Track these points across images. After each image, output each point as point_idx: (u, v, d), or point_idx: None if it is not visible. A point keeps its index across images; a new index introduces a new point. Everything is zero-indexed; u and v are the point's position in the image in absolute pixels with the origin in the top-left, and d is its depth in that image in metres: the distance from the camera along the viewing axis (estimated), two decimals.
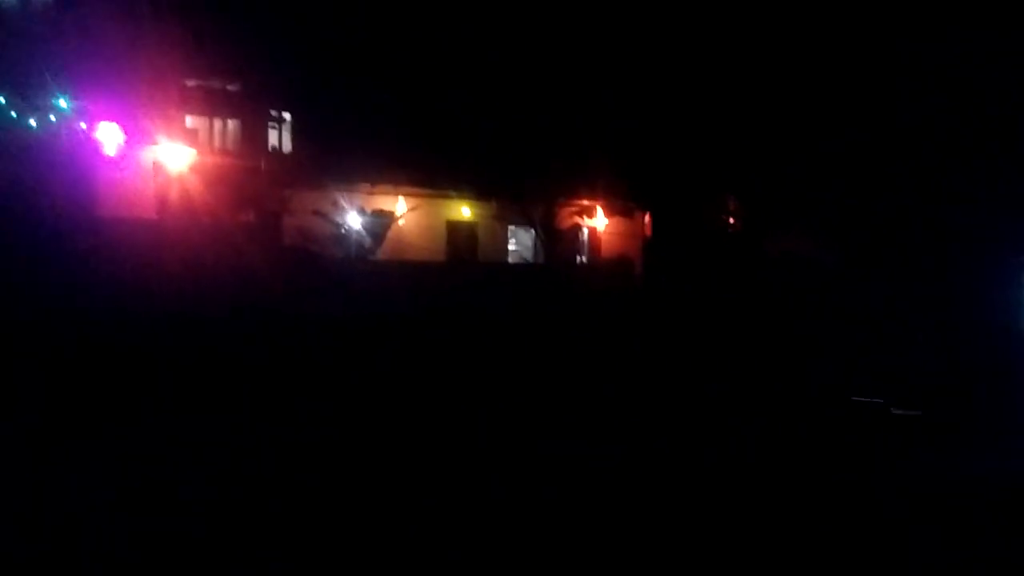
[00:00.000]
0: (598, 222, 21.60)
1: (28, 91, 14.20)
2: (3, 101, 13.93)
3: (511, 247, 21.76)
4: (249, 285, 14.10)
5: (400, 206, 19.42)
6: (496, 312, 14.84)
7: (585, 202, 20.98)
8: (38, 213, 13.96)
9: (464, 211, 20.48)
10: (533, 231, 20.98)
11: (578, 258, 22.01)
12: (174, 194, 15.76)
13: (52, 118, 14.51)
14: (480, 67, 18.24)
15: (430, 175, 18.73)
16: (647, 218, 21.54)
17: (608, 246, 21.47)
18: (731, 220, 21.04)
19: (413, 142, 17.77)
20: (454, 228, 20.59)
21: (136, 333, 11.49)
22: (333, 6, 17.06)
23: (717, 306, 15.82)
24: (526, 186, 19.11)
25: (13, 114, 14.20)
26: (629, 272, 20.19)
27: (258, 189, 16.60)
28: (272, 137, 18.15)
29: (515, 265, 21.34)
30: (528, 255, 21.68)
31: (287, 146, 18.25)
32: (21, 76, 14.11)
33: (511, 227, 21.34)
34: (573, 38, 18.36)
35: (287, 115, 18.03)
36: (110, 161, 15.04)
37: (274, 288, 13.93)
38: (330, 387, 10.72)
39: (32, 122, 14.28)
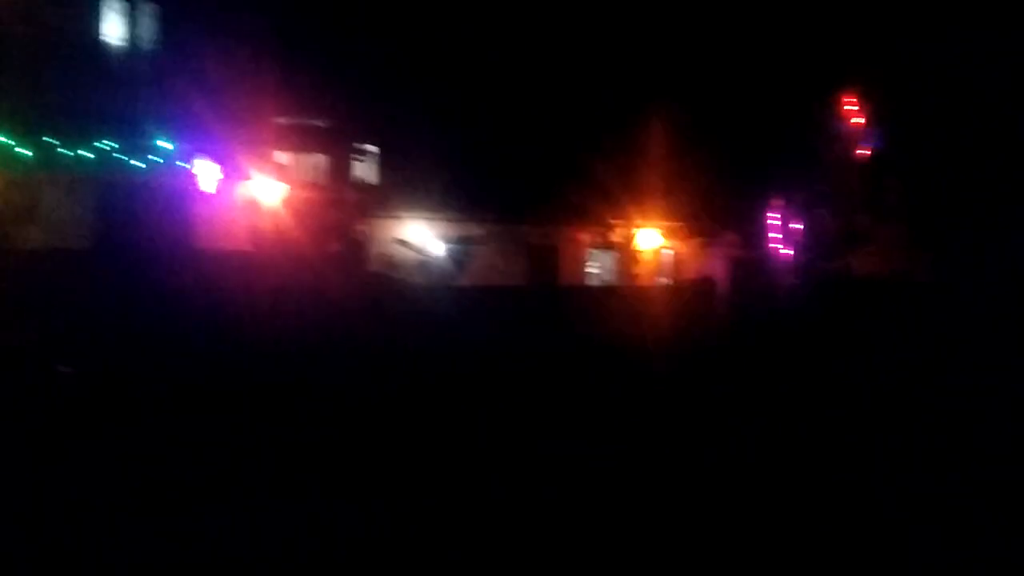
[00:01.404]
0: (681, 243, 21.46)
1: (135, 133, 15.15)
2: (114, 144, 14.90)
3: (592, 270, 21.82)
4: (336, 312, 14.61)
5: (481, 232, 19.79)
6: (578, 334, 14.89)
7: (668, 223, 20.89)
8: (145, 246, 14.89)
9: (545, 235, 20.69)
10: (614, 253, 20.99)
11: (661, 280, 21.88)
12: (267, 226, 16.50)
13: (156, 158, 15.44)
14: (560, 93, 18.50)
15: (511, 200, 19.04)
16: (733, 238, 21.28)
17: (692, 267, 21.28)
18: (817, 238, 20.59)
19: (494, 168, 18.15)
20: (535, 252, 20.80)
21: (234, 359, 11.93)
22: (413, 45, 17.70)
23: (806, 328, 15.41)
24: (607, 209, 19.21)
25: (123, 156, 15.16)
26: (712, 293, 19.96)
27: (345, 219, 17.26)
28: (358, 169, 18.90)
29: (596, 287, 21.37)
30: (610, 277, 21.68)
31: (372, 177, 18.97)
32: (128, 119, 15.08)
33: (592, 249, 21.42)
34: (657, 65, 18.44)
35: (372, 147, 18.74)
36: (208, 196, 15.86)
37: (360, 315, 14.41)
38: (417, 411, 10.83)
39: (139, 162, 15.21)
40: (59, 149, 14.47)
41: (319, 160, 18.44)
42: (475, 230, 19.74)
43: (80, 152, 14.60)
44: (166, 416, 9.78)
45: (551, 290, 19.71)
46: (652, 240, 20.99)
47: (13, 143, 14.16)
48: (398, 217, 18.27)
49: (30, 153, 14.28)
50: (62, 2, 14.61)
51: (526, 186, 18.64)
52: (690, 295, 19.16)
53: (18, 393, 9.29)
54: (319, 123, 17.91)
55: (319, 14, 16.91)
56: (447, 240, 19.35)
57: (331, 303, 14.98)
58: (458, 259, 19.45)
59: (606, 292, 20.54)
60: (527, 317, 15.49)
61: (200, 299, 14.04)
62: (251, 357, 12.07)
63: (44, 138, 14.34)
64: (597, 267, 21.76)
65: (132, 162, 15.13)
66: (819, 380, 12.44)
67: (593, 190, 18.55)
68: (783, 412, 11.07)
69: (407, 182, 18.04)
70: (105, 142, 14.79)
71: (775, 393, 11.99)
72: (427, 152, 17.94)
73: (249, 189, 16.35)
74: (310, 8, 16.78)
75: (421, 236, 18.80)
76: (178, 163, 15.68)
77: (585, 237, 20.27)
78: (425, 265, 18.69)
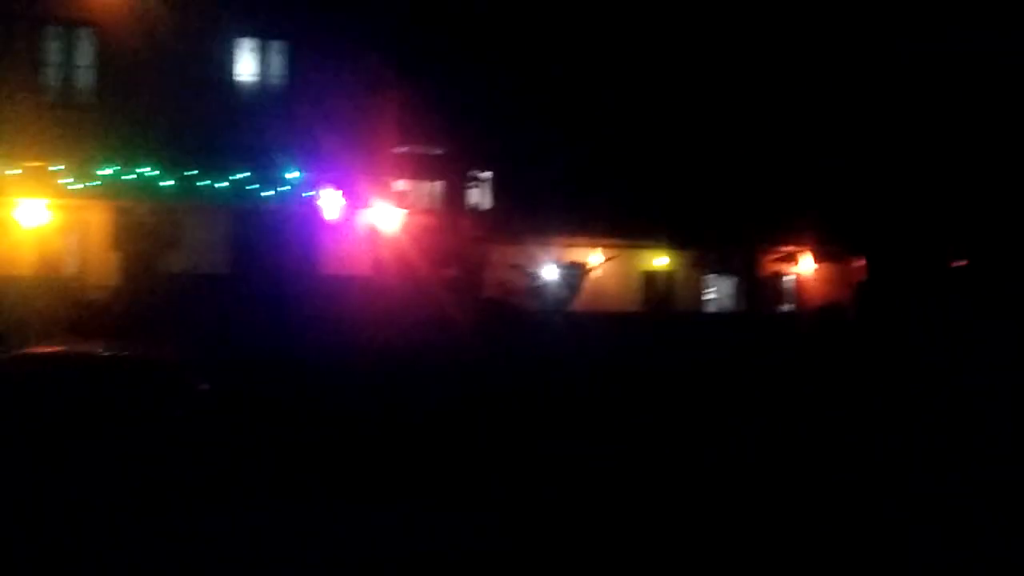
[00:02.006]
0: (804, 268, 20.64)
1: (265, 164, 15.92)
2: (246, 174, 15.71)
3: (710, 296, 21.28)
4: (453, 336, 14.82)
5: (595, 257, 19.68)
6: (695, 362, 14.49)
7: (790, 248, 20.16)
8: (274, 270, 15.61)
9: (660, 260, 20.35)
10: (733, 279, 20.41)
11: (783, 306, 21.09)
12: (386, 252, 16.97)
13: (285, 187, 16.17)
14: (679, 117, 18.27)
15: (626, 225, 18.88)
16: (860, 263, 20.30)
17: (816, 293, 20.42)
18: (954, 265, 19.36)
19: (609, 193, 18.06)
20: (650, 278, 20.49)
21: (356, 380, 12.21)
22: (528, 73, 17.93)
23: (944, 359, 14.35)
24: (725, 233, 18.73)
25: (254, 186, 15.95)
26: (839, 321, 19.04)
27: (460, 245, 17.55)
28: (473, 195, 19.25)
29: (715, 314, 20.81)
30: (728, 304, 21.08)
31: (487, 203, 19.26)
32: (259, 151, 15.88)
33: (709, 275, 20.91)
34: (779, 87, 17.98)
35: (487, 174, 19.05)
36: (332, 223, 16.46)
37: (475, 339, 14.55)
38: (533, 435, 10.71)
39: (269, 192, 15.97)
40: (197, 180, 15.40)
41: (436, 187, 18.90)
42: (589, 255, 19.66)
43: (216, 183, 15.48)
44: (293, 433, 10.12)
45: (666, 317, 19.33)
46: (774, 265, 20.30)
47: (158, 175, 15.18)
48: (513, 242, 18.44)
49: (172, 184, 15.26)
50: (200, 44, 15.60)
51: (640, 211, 18.44)
52: (818, 324, 18.36)
53: (160, 408, 9.78)
54: (436, 151, 18.35)
55: (436, 44, 17.40)
56: (561, 265, 19.35)
57: (448, 327, 15.22)
58: (572, 284, 19.39)
59: (726, 320, 19.97)
60: (641, 344, 15.21)
61: (324, 322, 14.56)
62: (371, 378, 12.38)
63: (184, 170, 15.30)
64: (715, 293, 21.22)
65: (263, 191, 15.90)
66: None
67: (711, 214, 18.15)
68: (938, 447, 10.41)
69: (522, 207, 18.20)
70: (238, 173, 15.63)
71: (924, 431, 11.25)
72: (541, 177, 18.07)
73: (370, 216, 16.86)
74: (427, 39, 17.29)
75: (535, 261, 18.89)
76: (304, 192, 16.35)
77: (703, 262, 19.82)
78: (539, 290, 18.75)
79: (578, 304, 19.12)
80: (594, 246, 19.56)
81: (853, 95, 17.97)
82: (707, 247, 19.51)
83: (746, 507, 8.13)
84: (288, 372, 12.18)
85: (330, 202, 16.52)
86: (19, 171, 14.71)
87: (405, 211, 17.36)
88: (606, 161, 18.33)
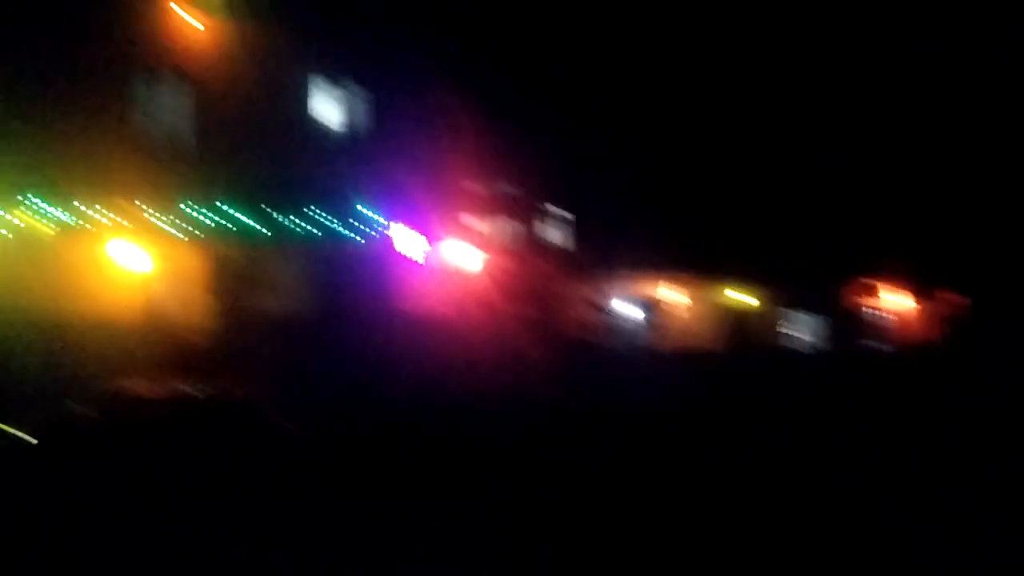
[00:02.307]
0: (893, 303, 19.91)
1: (348, 206, 16.27)
2: (330, 216, 16.08)
3: (793, 332, 20.70)
4: (535, 375, 14.73)
5: (673, 294, 19.39)
6: (777, 401, 14.04)
7: (878, 282, 19.51)
8: (356, 310, 15.83)
9: (741, 296, 19.93)
10: (817, 315, 19.81)
11: (871, 343, 20.34)
12: (466, 291, 17.06)
13: (367, 228, 16.47)
14: (760, 151, 17.98)
15: (706, 261, 18.58)
16: (955, 299, 19.48)
17: (909, 329, 19.66)
18: None
19: (688, 230, 17.83)
20: (730, 314, 20.07)
21: (440, 421, 12.19)
22: (607, 110, 17.94)
23: None
24: (811, 268, 18.24)
25: (337, 227, 16.30)
26: (935, 359, 18.24)
27: (539, 283, 17.52)
28: (553, 233, 19.23)
29: (800, 351, 20.21)
30: (813, 341, 20.45)
31: (567, 241, 19.21)
32: (342, 193, 16.26)
33: (792, 311, 20.38)
34: (868, 116, 17.56)
35: (566, 212, 19.03)
36: (413, 263, 16.65)
37: (557, 378, 14.41)
38: (618, 477, 10.52)
39: (351, 232, 16.29)
40: (284, 222, 15.82)
41: (515, 225, 18.97)
42: (667, 292, 19.39)
43: (301, 225, 15.88)
44: (377, 473, 10.15)
45: (749, 353, 18.85)
46: (863, 299, 19.63)
47: (245, 217, 15.65)
48: (592, 280, 18.33)
49: (259, 225, 15.71)
50: (286, 90, 16.13)
51: (722, 245, 18.13)
52: (910, 364, 17.62)
53: (246, 446, 9.93)
54: (514, 189, 18.47)
55: (514, 84, 17.59)
56: (638, 303, 19.13)
57: (529, 366, 15.14)
58: (650, 321, 19.14)
59: (815, 358, 19.36)
60: (725, 382, 14.83)
61: (406, 362, 14.67)
62: (453, 418, 12.36)
63: (270, 211, 15.74)
64: (798, 329, 20.63)
65: (346, 233, 16.22)
66: None
67: (796, 249, 17.70)
68: None
69: (601, 245, 18.12)
70: (323, 215, 16.00)
71: None
72: (620, 214, 17.97)
73: (449, 255, 17.01)
74: (505, 79, 17.50)
75: (615, 299, 18.72)
76: (385, 232, 16.62)
77: (786, 298, 19.31)
78: (619, 328, 18.54)
79: (659, 342, 18.83)
80: (672, 283, 19.29)
81: (954, 129, 17.37)
82: (790, 282, 19.02)
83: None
84: (372, 412, 12.28)
85: (410, 242, 16.75)
86: (115, 215, 15.36)
87: (484, 251, 17.47)
88: (685, 196, 18.12)
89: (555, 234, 19.30)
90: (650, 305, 19.15)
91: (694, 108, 18.28)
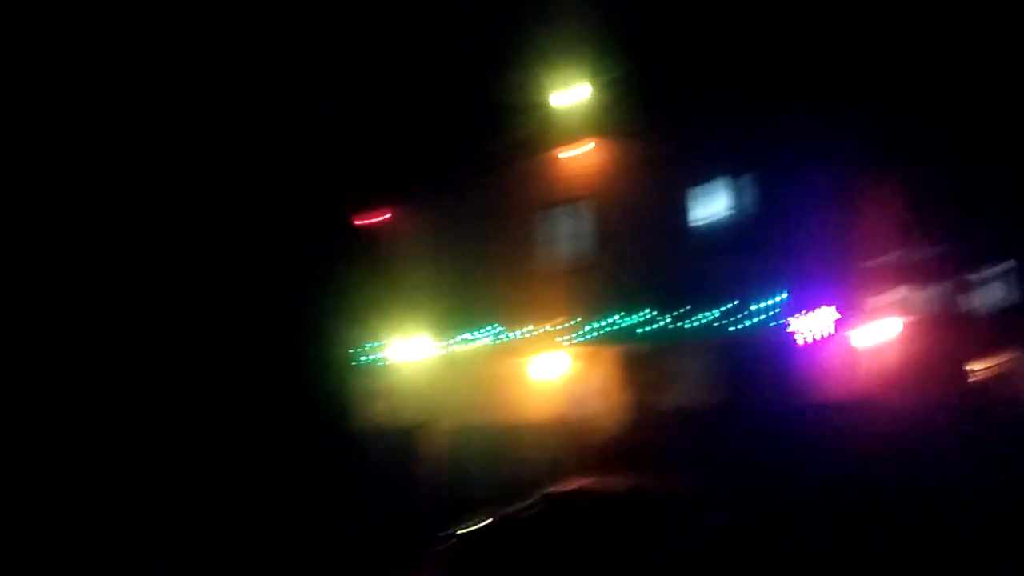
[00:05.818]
0: None
1: (743, 294, 15.99)
2: (728, 308, 16.04)
3: None
4: (974, 456, 12.66)
5: None
6: None
7: None
8: (762, 402, 15.35)
9: None
10: None
11: None
12: (885, 370, 15.32)
13: (766, 315, 15.99)
14: None
15: None
16: None
17: None
18: None
19: None
20: None
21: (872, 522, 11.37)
22: None
23: None
24: None
25: (739, 318, 16.15)
26: None
27: (971, 354, 14.84)
28: (980, 294, 16.22)
29: None
30: None
31: (1003, 301, 16.00)
32: (735, 282, 16.09)
33: None
34: None
35: (998, 267, 15.96)
36: (819, 345, 15.62)
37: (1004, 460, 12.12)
38: None
39: (752, 322, 15.95)
40: (683, 321, 16.26)
41: (938, 289, 16.52)
42: None
43: (701, 320, 16.14)
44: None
45: None
46: None
47: (634, 322, 16.52)
48: None
49: (660, 327, 16.41)
50: (670, 194, 16.80)
51: None
52: None
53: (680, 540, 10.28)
54: (934, 250, 16.17)
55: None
56: None
57: (971, 446, 13.06)
58: None
59: None
60: None
61: (822, 451, 13.81)
62: (895, 503, 11.32)
63: (669, 312, 16.33)
64: None
65: (747, 321, 16.00)
66: None
67: None
68: None
69: None
70: (721, 306, 16.04)
71: None
72: None
73: (860, 332, 15.51)
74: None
75: None
76: (789, 316, 15.95)
77: None
78: None
79: None
80: None
81: None
82: None
83: None
84: (793, 502, 11.91)
85: (817, 322, 15.77)
86: (531, 331, 17.54)
87: (903, 321, 15.51)
88: None
89: (985, 294, 16.21)
90: None
91: None
